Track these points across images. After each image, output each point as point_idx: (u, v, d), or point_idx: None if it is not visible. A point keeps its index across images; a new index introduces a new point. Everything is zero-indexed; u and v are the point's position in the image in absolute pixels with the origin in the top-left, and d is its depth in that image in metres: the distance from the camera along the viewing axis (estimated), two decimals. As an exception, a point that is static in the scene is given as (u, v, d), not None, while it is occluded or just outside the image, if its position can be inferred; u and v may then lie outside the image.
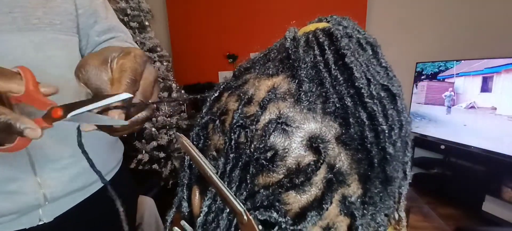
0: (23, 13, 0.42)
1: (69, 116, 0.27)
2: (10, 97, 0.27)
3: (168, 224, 0.25)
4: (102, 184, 0.56)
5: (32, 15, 0.44)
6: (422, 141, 1.78)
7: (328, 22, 0.26)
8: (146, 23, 1.88)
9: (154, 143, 1.80)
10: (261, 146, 0.20)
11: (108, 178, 0.58)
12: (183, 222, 0.24)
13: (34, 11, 0.44)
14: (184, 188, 0.25)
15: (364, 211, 0.21)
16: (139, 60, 0.31)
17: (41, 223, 0.48)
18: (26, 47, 0.43)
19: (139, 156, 1.78)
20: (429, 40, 1.82)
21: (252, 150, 0.21)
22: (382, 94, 0.21)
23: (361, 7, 1.84)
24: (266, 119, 0.21)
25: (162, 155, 1.84)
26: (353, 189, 0.21)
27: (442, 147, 1.54)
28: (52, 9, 0.46)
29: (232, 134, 0.21)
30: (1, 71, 0.27)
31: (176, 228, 0.24)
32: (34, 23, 0.44)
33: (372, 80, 0.21)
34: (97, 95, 0.29)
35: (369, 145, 0.20)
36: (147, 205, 1.22)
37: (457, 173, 1.53)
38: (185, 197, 0.25)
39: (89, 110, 0.28)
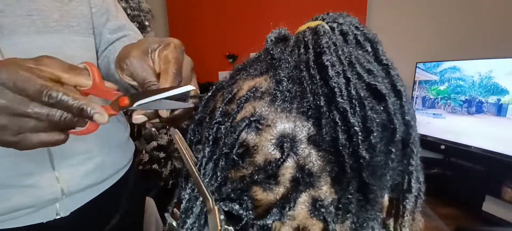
0: (41, 16, 0.44)
1: (135, 105, 0.29)
2: (80, 91, 0.30)
3: (169, 213, 0.26)
4: (114, 181, 0.58)
5: (49, 18, 0.45)
6: (422, 141, 1.77)
7: (323, 20, 0.26)
8: (146, 23, 1.88)
9: (154, 143, 1.80)
10: (230, 142, 0.21)
11: (119, 175, 0.60)
12: (175, 210, 0.26)
13: (51, 14, 0.45)
14: (183, 179, 0.27)
15: (338, 217, 0.20)
16: (179, 51, 0.32)
17: (58, 217, 0.49)
18: (44, 49, 0.44)
19: (139, 156, 1.78)
20: (429, 40, 1.82)
21: (222, 145, 0.21)
22: (363, 94, 0.20)
23: (361, 7, 1.84)
24: (241, 116, 0.21)
25: (162, 155, 1.84)
26: (325, 193, 0.20)
27: (442, 147, 1.54)
28: (68, 12, 0.48)
29: (210, 130, 0.22)
30: (72, 67, 0.30)
31: (167, 214, 0.26)
32: (52, 26, 0.45)
33: (352, 79, 0.20)
34: (160, 88, 0.31)
35: (340, 147, 0.19)
36: (147, 205, 1.22)
37: (457, 173, 1.53)
38: (183, 186, 0.26)
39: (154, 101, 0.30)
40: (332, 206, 0.20)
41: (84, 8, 0.51)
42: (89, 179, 0.52)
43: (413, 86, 1.71)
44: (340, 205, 0.20)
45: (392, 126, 0.20)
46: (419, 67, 1.66)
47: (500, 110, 1.30)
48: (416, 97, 1.70)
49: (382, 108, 0.20)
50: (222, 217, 0.21)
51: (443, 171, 1.58)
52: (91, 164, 0.52)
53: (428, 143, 1.61)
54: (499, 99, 1.30)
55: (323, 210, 0.20)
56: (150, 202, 1.25)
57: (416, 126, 0.22)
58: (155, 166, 1.83)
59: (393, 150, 0.20)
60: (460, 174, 1.51)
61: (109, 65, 0.54)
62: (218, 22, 2.09)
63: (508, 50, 1.44)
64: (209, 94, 0.27)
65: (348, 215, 0.20)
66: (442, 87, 1.56)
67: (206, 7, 2.08)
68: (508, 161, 1.25)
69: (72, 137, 0.49)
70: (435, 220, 1.35)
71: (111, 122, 0.56)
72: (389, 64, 0.23)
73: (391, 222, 0.24)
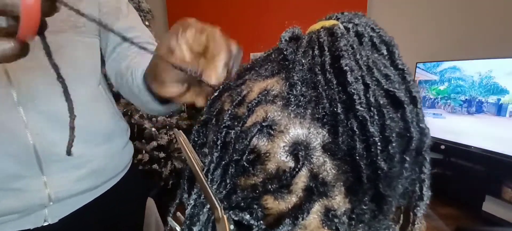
0: None
1: None
2: None
3: (171, 214, 0.26)
4: (109, 187, 0.56)
5: (57, 19, 0.45)
6: (422, 141, 1.77)
7: (338, 19, 0.24)
8: (146, 23, 1.88)
9: (154, 143, 1.80)
10: (241, 148, 0.20)
11: (115, 181, 0.59)
12: (178, 214, 0.25)
13: (59, 15, 0.46)
14: (185, 181, 0.26)
15: (351, 228, 0.20)
16: (239, 55, 0.33)
17: (45, 224, 0.48)
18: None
19: (139, 156, 1.78)
20: (429, 40, 1.82)
21: (231, 151, 0.20)
22: (382, 101, 0.19)
23: (361, 7, 1.84)
24: (252, 121, 0.20)
25: (162, 155, 1.84)
26: (339, 203, 0.19)
27: (442, 147, 1.53)
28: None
29: (219, 134, 0.21)
30: None
31: (169, 218, 0.25)
32: (58, 25, 0.45)
33: (371, 85, 0.19)
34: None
35: (357, 157, 0.18)
36: (147, 205, 1.21)
37: (457, 173, 1.53)
38: (185, 188, 0.26)
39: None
40: (345, 215, 0.20)
41: (92, 10, 0.51)
42: (82, 185, 0.50)
43: (413, 86, 1.71)
44: (354, 215, 0.19)
45: (408, 135, 0.20)
46: (419, 67, 1.66)
47: (500, 110, 1.30)
48: (416, 97, 1.70)
49: (399, 116, 0.20)
50: (231, 227, 0.20)
51: (443, 171, 1.58)
52: (86, 169, 0.50)
53: (428, 143, 1.60)
54: (499, 99, 1.30)
55: (336, 220, 0.19)
56: (150, 202, 1.25)
57: (429, 132, 0.21)
58: (155, 166, 1.83)
59: (408, 158, 0.20)
60: (460, 174, 1.51)
61: (119, 66, 0.53)
62: (218, 22, 2.06)
63: (508, 50, 1.44)
64: (216, 94, 0.26)
65: (360, 225, 0.20)
66: (442, 87, 1.56)
67: (206, 7, 2.07)
68: (508, 161, 1.25)
69: (64, 139, 0.48)
70: (435, 220, 1.35)
71: (108, 126, 0.55)
72: (405, 69, 0.22)
73: (397, 228, 0.23)
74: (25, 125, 0.43)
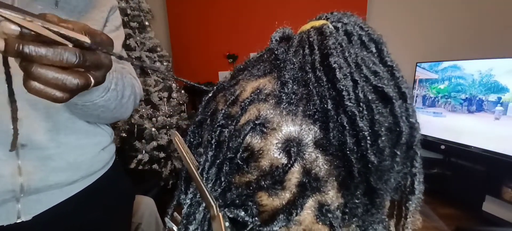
0: None
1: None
2: None
3: (168, 215, 0.26)
4: (83, 187, 0.55)
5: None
6: (422, 141, 1.76)
7: (327, 19, 0.25)
8: (146, 23, 1.88)
9: (154, 143, 1.80)
10: (235, 146, 0.20)
11: (94, 177, 0.58)
12: (175, 214, 0.26)
13: None
14: (182, 181, 0.26)
15: (345, 222, 0.20)
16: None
17: (19, 221, 0.47)
18: None
19: (139, 156, 1.78)
20: (429, 40, 1.82)
21: (225, 149, 0.21)
22: (371, 97, 0.19)
23: (361, 7, 1.84)
24: (245, 119, 0.21)
25: (162, 155, 1.84)
26: (332, 197, 0.20)
27: (442, 147, 1.53)
28: None
29: (213, 133, 0.22)
30: None
31: (167, 219, 0.25)
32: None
33: (359, 82, 0.19)
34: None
35: (348, 152, 0.19)
36: (147, 205, 1.21)
37: (457, 173, 1.53)
38: (182, 189, 0.26)
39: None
40: (338, 210, 0.20)
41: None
42: (56, 177, 0.49)
43: (413, 85, 1.71)
44: (347, 210, 0.20)
45: (398, 129, 0.20)
46: (419, 66, 1.66)
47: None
48: (416, 96, 1.70)
49: (388, 111, 0.20)
50: (227, 224, 0.20)
51: (443, 171, 1.58)
52: (61, 161, 0.50)
53: (428, 143, 1.60)
54: (499, 98, 1.30)
55: (329, 215, 0.20)
56: (150, 202, 1.25)
57: (419, 127, 0.22)
58: (155, 166, 1.83)
59: (398, 152, 0.20)
60: (460, 174, 1.51)
61: None
62: (218, 22, 2.09)
63: (508, 51, 1.44)
64: (210, 95, 0.26)
65: (354, 219, 0.20)
66: (442, 86, 1.56)
67: (206, 7, 2.08)
68: (508, 161, 1.25)
69: (45, 128, 0.48)
70: (435, 220, 1.35)
71: (91, 124, 0.55)
72: (394, 66, 0.23)
73: (391, 222, 0.24)
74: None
